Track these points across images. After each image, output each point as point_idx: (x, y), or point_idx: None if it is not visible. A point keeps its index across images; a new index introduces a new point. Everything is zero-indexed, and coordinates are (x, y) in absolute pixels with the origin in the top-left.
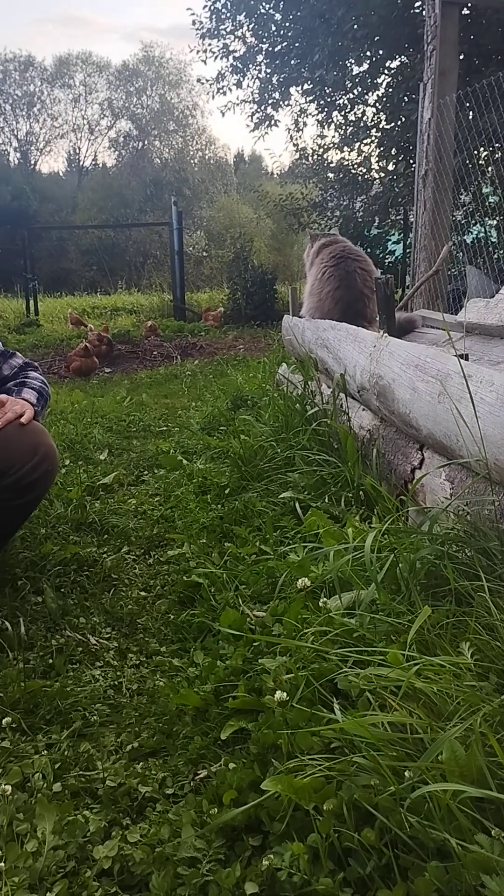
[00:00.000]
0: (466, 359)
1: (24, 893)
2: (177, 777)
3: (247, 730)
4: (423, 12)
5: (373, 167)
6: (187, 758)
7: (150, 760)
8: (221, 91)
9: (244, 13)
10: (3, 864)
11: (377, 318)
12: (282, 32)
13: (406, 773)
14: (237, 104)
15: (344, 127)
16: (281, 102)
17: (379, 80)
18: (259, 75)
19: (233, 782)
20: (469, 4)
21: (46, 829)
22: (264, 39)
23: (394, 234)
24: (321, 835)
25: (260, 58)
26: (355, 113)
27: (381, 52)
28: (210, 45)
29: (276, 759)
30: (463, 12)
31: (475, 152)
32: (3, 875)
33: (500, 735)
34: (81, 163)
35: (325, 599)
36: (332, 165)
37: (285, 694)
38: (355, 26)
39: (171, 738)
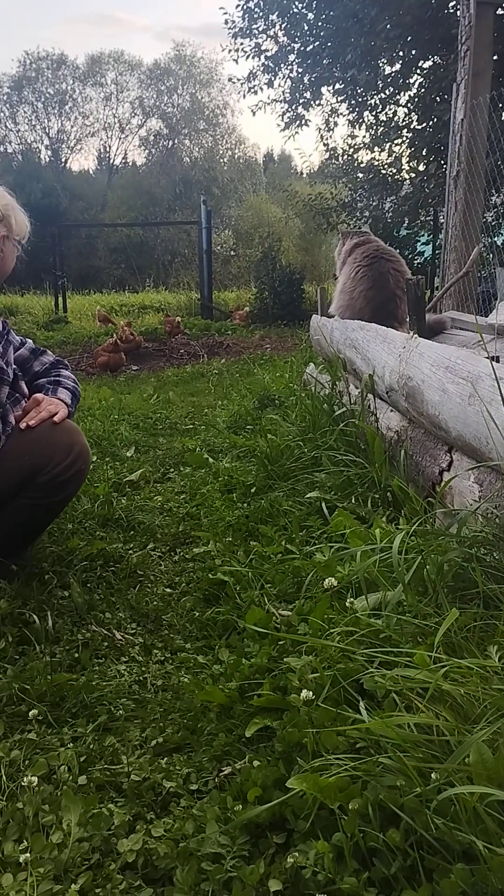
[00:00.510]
0: (498, 361)
1: (48, 884)
2: (201, 773)
3: (271, 728)
4: (458, 12)
5: (403, 168)
6: (212, 754)
7: (174, 756)
8: (252, 90)
9: (277, 12)
10: (28, 854)
11: (408, 320)
12: (314, 32)
13: (432, 775)
14: (268, 103)
15: (375, 127)
16: (312, 102)
17: (411, 81)
18: (291, 75)
19: (257, 780)
20: None
21: (72, 821)
22: (297, 39)
23: (423, 236)
24: (346, 834)
25: (292, 57)
26: (387, 113)
27: (413, 52)
28: (242, 44)
29: (301, 758)
30: (497, 13)
31: None
32: (28, 865)
33: None
34: (111, 161)
35: (351, 600)
36: (362, 165)
37: (311, 693)
38: (388, 26)
39: (196, 734)
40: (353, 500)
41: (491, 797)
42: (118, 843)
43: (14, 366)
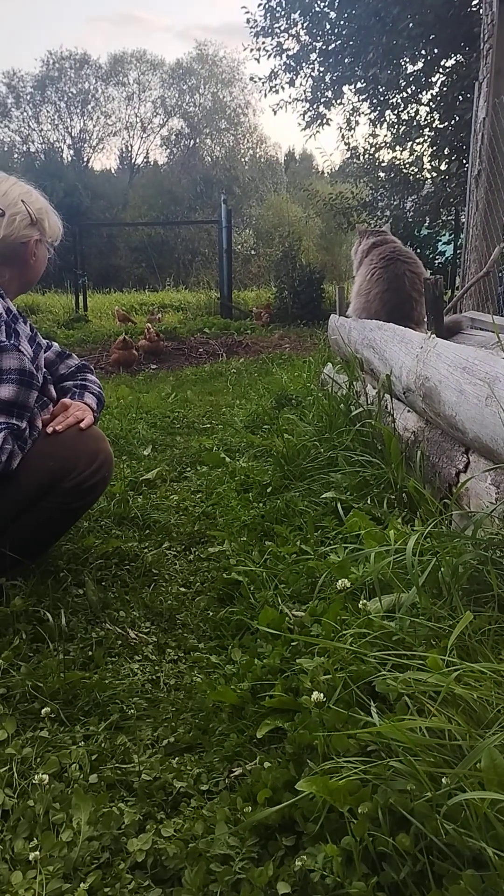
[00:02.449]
0: None
1: (58, 882)
2: (212, 773)
3: (282, 729)
4: (480, 10)
5: (425, 167)
6: (223, 755)
7: (185, 756)
8: (274, 89)
9: (299, 11)
10: (38, 852)
11: (425, 321)
12: (336, 31)
13: (443, 780)
14: (289, 102)
15: (396, 126)
16: (333, 101)
17: (433, 79)
18: (312, 74)
19: (267, 781)
20: None
21: (82, 819)
22: (318, 38)
23: (444, 235)
24: (355, 838)
25: (313, 56)
26: (408, 112)
27: (436, 50)
28: (264, 43)
29: (312, 760)
30: None
31: None
32: (38, 863)
33: None
34: (133, 160)
35: (364, 601)
36: (383, 165)
37: (322, 695)
38: (410, 24)
39: (207, 734)
40: (368, 501)
41: (502, 803)
42: (128, 842)
43: (44, 369)
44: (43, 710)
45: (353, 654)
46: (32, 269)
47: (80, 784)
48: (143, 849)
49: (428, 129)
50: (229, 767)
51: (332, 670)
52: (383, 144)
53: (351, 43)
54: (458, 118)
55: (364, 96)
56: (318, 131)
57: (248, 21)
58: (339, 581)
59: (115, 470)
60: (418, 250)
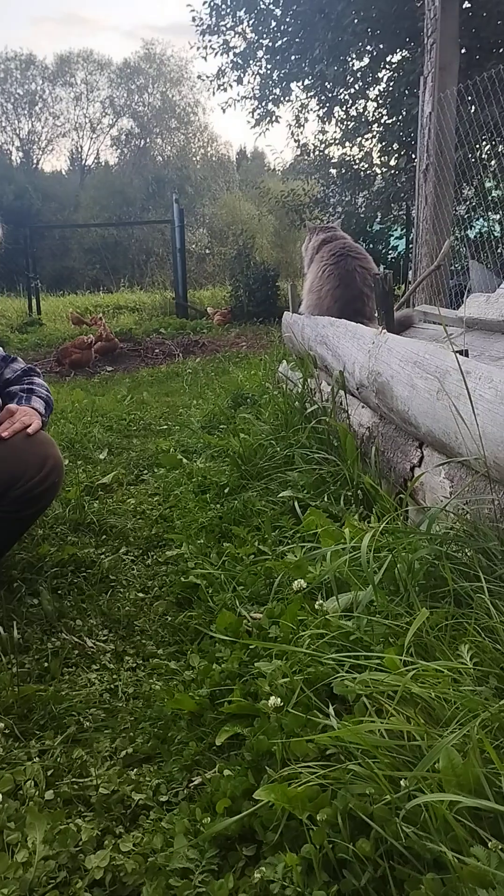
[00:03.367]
0: (466, 355)
1: None
2: (171, 784)
3: (242, 735)
4: (423, 6)
5: (374, 162)
6: (182, 764)
7: (144, 766)
8: (222, 87)
9: (244, 9)
10: None
11: (376, 316)
12: (282, 28)
13: (402, 782)
14: (238, 100)
15: (345, 122)
16: (282, 98)
17: (380, 75)
18: (259, 71)
19: (227, 790)
20: None
21: (37, 838)
22: (264, 35)
23: (396, 230)
24: (315, 845)
25: (260, 53)
26: (356, 108)
27: (381, 46)
28: (210, 41)
29: (271, 767)
30: (463, 6)
31: (477, 146)
32: None
33: (499, 741)
34: (84, 161)
35: (321, 601)
36: (333, 161)
37: (280, 699)
38: (355, 21)
39: (166, 743)
40: (325, 499)
41: (460, 804)
42: (86, 859)
43: None
44: None
45: (310, 657)
46: None
47: (35, 801)
48: (100, 866)
49: (376, 124)
50: (189, 777)
51: (290, 673)
52: (333, 141)
53: (297, 40)
54: (405, 113)
55: (312, 93)
56: (267, 129)
57: (193, 19)
58: (295, 582)
59: (70, 475)
60: (371, 246)
